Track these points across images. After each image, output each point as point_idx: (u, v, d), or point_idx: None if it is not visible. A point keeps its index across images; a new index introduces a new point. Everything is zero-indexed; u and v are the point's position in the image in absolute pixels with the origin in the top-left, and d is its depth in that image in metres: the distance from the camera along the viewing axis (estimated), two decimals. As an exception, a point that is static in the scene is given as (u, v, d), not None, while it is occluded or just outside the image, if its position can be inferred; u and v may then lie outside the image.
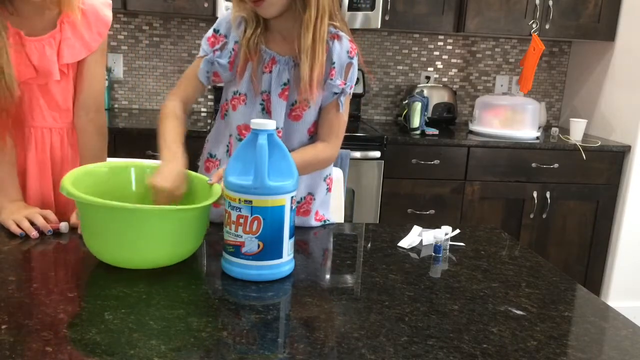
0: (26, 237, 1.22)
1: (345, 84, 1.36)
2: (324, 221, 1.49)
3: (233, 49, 1.36)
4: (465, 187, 2.80)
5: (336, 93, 1.36)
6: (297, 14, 1.30)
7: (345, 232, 1.45)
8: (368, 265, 1.21)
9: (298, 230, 1.31)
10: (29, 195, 1.43)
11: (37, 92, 1.39)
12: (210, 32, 1.39)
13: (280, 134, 1.37)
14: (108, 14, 1.43)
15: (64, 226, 1.25)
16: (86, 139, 1.46)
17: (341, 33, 1.36)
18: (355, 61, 1.37)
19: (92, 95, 1.45)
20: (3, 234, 1.25)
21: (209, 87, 3.11)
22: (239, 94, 1.38)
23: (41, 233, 1.24)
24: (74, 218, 1.29)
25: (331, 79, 1.34)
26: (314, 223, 1.47)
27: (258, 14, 1.32)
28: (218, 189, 1.16)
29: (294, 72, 1.35)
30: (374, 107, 3.32)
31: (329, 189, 1.51)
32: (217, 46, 1.36)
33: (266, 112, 1.38)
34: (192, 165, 1.67)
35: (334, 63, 1.34)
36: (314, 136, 1.43)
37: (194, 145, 2.53)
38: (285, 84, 1.35)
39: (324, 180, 1.49)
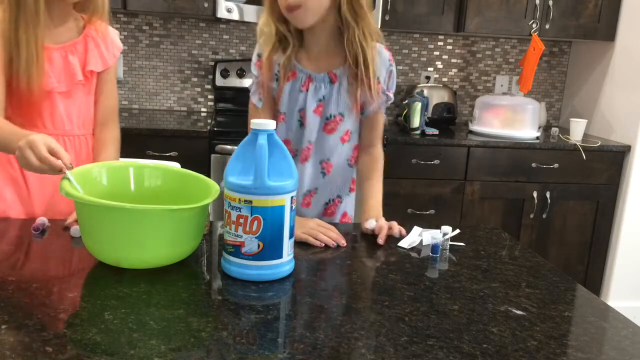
0: (30, 236, 1.23)
1: (391, 92, 1.46)
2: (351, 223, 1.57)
3: (278, 71, 1.40)
4: (465, 187, 2.80)
5: (381, 103, 1.45)
6: (335, 30, 1.36)
7: (345, 232, 1.44)
8: (368, 265, 1.21)
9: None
10: (48, 202, 1.47)
11: (59, 101, 1.45)
12: (255, 57, 1.43)
13: (311, 146, 1.45)
14: (119, 41, 1.58)
15: (74, 231, 1.24)
16: (102, 149, 1.54)
17: (378, 45, 1.40)
18: (394, 67, 1.45)
19: (109, 109, 1.57)
20: (3, 234, 1.25)
21: (209, 86, 3.12)
22: (280, 113, 1.44)
23: (42, 232, 1.25)
24: (70, 219, 1.29)
25: (377, 93, 1.41)
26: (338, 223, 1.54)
27: (293, 33, 1.36)
28: (218, 188, 1.16)
29: (330, 88, 1.41)
30: (374, 107, 3.32)
31: (351, 189, 1.56)
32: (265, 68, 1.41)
33: (303, 126, 1.44)
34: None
35: (378, 77, 1.40)
36: (348, 143, 1.49)
37: (195, 144, 2.54)
38: (320, 100, 1.41)
39: (350, 182, 1.56)
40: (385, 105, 1.47)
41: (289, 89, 1.40)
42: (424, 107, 2.87)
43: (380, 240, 1.31)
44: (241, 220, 1.04)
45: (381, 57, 1.41)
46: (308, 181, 1.49)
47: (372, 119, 1.48)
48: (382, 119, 1.50)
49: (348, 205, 1.57)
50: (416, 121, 2.85)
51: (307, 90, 1.40)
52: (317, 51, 1.39)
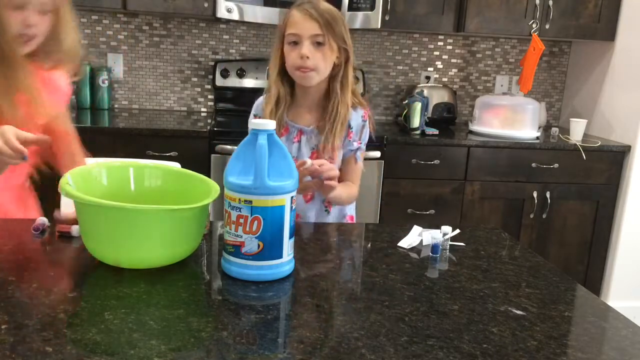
0: (30, 235, 1.23)
1: (360, 143, 1.65)
2: None
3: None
4: (465, 187, 2.80)
5: (352, 150, 1.63)
6: (323, 91, 1.57)
7: (345, 232, 1.45)
8: (368, 265, 1.21)
9: (299, 228, 1.31)
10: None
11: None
12: (251, 116, 1.65)
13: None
14: (66, 85, 1.52)
15: (75, 229, 1.23)
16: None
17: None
18: (367, 123, 1.66)
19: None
20: (3, 234, 1.25)
21: (209, 86, 3.12)
22: None
23: (42, 232, 1.25)
24: (57, 214, 1.28)
25: (349, 140, 1.62)
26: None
27: (286, 92, 1.56)
28: (218, 188, 1.16)
29: (319, 138, 1.59)
30: (374, 107, 3.32)
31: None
32: None
33: None
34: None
35: (352, 127, 1.62)
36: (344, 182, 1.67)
37: (195, 144, 2.54)
38: (313, 149, 1.61)
39: (345, 218, 1.72)
40: (357, 152, 1.65)
41: (285, 142, 1.56)
42: (424, 107, 2.87)
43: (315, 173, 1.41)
44: (241, 220, 1.04)
45: (357, 113, 1.62)
46: (313, 218, 1.66)
47: (346, 164, 1.66)
48: (356, 165, 1.67)
49: (352, 209, 1.74)
50: (416, 121, 2.85)
51: (298, 141, 1.60)
52: (305, 107, 1.60)
